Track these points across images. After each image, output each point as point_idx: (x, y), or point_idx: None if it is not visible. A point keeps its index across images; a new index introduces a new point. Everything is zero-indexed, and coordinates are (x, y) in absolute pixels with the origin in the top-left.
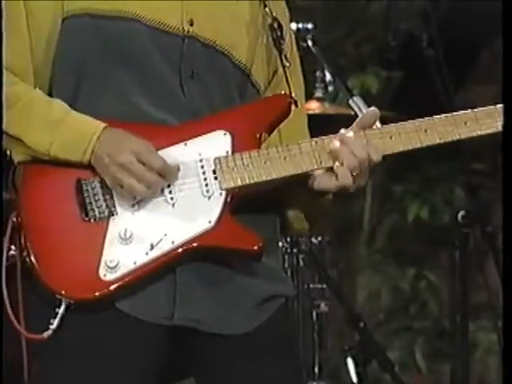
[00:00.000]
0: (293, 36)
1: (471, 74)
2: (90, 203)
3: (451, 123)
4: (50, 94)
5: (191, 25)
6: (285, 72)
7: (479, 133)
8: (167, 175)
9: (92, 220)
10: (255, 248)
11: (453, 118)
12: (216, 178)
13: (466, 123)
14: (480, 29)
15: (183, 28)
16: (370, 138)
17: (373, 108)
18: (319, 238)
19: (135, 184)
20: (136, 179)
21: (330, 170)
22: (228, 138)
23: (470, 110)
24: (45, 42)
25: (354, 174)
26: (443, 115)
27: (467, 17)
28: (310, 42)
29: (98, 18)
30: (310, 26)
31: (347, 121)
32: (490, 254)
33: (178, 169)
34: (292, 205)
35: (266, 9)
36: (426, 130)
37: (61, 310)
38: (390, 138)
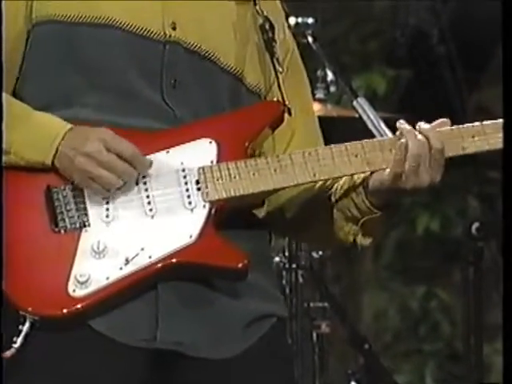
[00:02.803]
0: (290, 34)
1: (487, 72)
2: (61, 213)
3: (457, 136)
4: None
5: (173, 29)
6: (277, 77)
7: (487, 148)
8: (138, 165)
9: (62, 231)
10: (239, 266)
11: (459, 130)
12: (199, 190)
13: (473, 137)
14: (496, 24)
15: (165, 33)
16: (368, 150)
17: (446, 121)
18: (320, 253)
19: (105, 174)
20: (105, 169)
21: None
22: (213, 146)
23: (478, 123)
24: (9, 51)
25: (412, 164)
26: (448, 128)
27: (481, 11)
28: (310, 38)
29: (69, 24)
30: (310, 20)
31: (351, 124)
32: None
33: (151, 163)
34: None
35: (257, 7)
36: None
37: (25, 328)
38: (390, 150)
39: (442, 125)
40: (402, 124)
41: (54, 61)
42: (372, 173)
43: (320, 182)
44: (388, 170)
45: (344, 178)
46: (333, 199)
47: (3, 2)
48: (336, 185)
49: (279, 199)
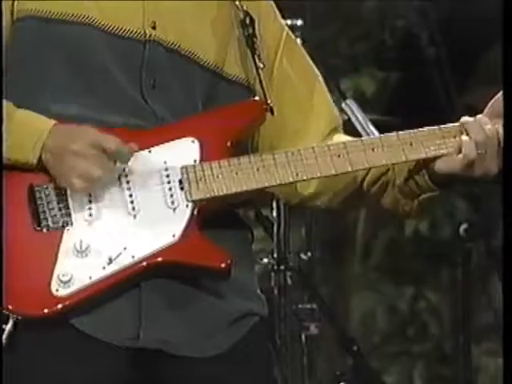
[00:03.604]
0: (280, 23)
1: (475, 74)
2: (44, 211)
3: (438, 137)
4: None
5: (153, 28)
6: (258, 74)
7: None
8: (122, 157)
9: (45, 230)
10: (222, 265)
11: (440, 131)
12: (182, 189)
13: (455, 137)
14: (485, 26)
15: (145, 32)
16: (351, 150)
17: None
18: (308, 254)
19: (91, 168)
20: (92, 164)
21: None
22: (196, 145)
23: (459, 123)
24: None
25: (480, 151)
26: (430, 127)
27: (471, 13)
28: (299, 41)
29: (49, 21)
30: (299, 22)
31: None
32: (495, 271)
33: (132, 153)
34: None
35: (236, 2)
36: (411, 144)
37: (8, 327)
38: (373, 150)
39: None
40: (464, 118)
41: (33, 57)
42: (436, 157)
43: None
44: (460, 156)
45: (400, 166)
46: (398, 181)
47: (3, 2)
48: (394, 169)
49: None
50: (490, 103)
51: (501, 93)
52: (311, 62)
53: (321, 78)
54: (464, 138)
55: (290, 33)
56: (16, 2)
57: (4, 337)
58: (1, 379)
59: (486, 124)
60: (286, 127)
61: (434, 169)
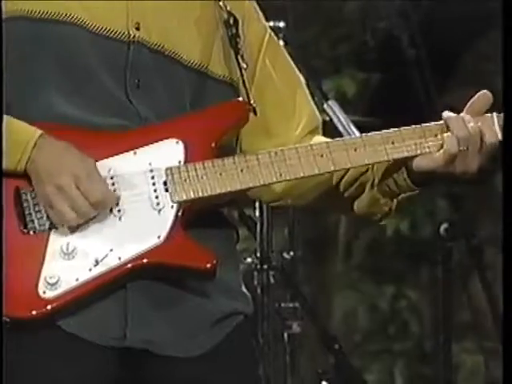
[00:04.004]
0: (263, 24)
1: (455, 75)
2: (30, 214)
3: (420, 136)
4: None
5: (137, 29)
6: (241, 74)
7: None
8: (101, 207)
9: (31, 232)
10: (208, 266)
11: (422, 129)
12: (167, 190)
13: (436, 135)
14: (464, 28)
15: (129, 33)
16: (334, 150)
17: (485, 91)
18: (291, 253)
19: (66, 210)
20: (69, 206)
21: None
22: (180, 146)
23: (442, 121)
24: None
25: (462, 147)
26: (412, 126)
27: (450, 15)
28: (281, 42)
29: (35, 21)
30: (281, 24)
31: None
32: (475, 270)
33: (117, 199)
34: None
35: (220, 2)
36: (393, 143)
37: None
38: (355, 150)
39: (483, 101)
40: (447, 114)
41: (23, 57)
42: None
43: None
44: (441, 152)
45: (379, 165)
46: (377, 181)
47: (3, 2)
48: (373, 168)
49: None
50: (470, 102)
51: (481, 92)
52: (293, 63)
53: (302, 79)
54: (446, 134)
55: (273, 34)
56: (3, 2)
57: None
58: (1, 379)
59: (468, 121)
60: (268, 127)
61: (413, 167)
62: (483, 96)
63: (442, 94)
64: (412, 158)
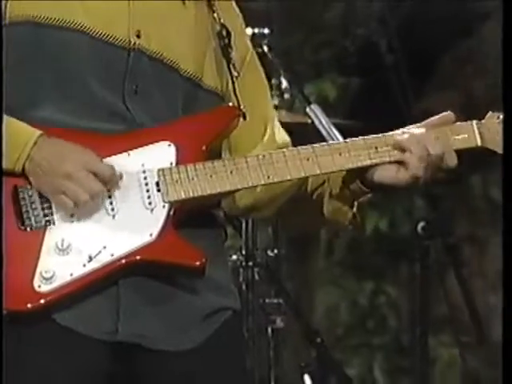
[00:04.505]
0: (247, 39)
1: (431, 79)
2: (27, 211)
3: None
4: None
5: (138, 37)
6: (233, 82)
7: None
8: (111, 184)
9: (28, 229)
10: (197, 264)
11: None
12: (159, 191)
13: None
14: (440, 33)
15: (129, 40)
16: (319, 154)
17: (449, 113)
18: (275, 251)
19: (80, 192)
20: (81, 187)
21: (397, 162)
22: (172, 149)
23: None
24: None
25: (422, 165)
26: (394, 132)
27: (427, 21)
28: (265, 48)
29: (41, 26)
30: (266, 31)
31: (304, 129)
32: (451, 267)
33: (121, 177)
34: (338, 197)
35: (214, 14)
36: (376, 148)
37: None
38: (340, 154)
39: (445, 119)
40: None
41: (25, 61)
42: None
43: (305, 184)
44: (406, 174)
45: (334, 176)
46: (334, 191)
47: (3, 2)
48: (329, 181)
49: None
50: (433, 118)
51: (447, 114)
52: (266, 83)
53: (272, 102)
54: (408, 155)
55: (255, 53)
56: (9, 6)
57: None
58: (1, 379)
59: (422, 138)
60: (247, 132)
61: (373, 178)
62: (446, 117)
63: (419, 98)
64: (370, 167)
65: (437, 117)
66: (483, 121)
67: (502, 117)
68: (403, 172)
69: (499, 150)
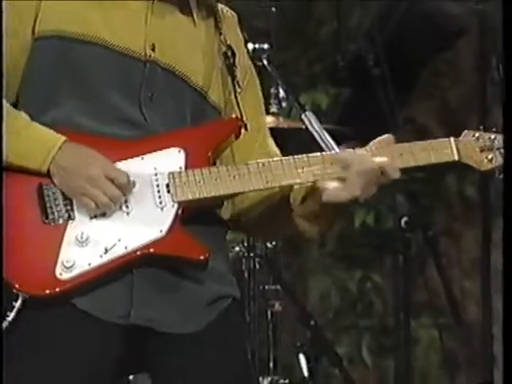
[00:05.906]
0: (248, 58)
1: (414, 90)
2: (51, 207)
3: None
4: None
5: (153, 50)
6: (236, 97)
7: (413, 164)
8: (126, 190)
9: (51, 223)
10: (201, 258)
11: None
12: (169, 192)
13: (401, 155)
14: (420, 49)
15: (145, 53)
16: (313, 163)
17: (389, 135)
18: (274, 243)
19: (99, 195)
20: (101, 191)
21: (341, 180)
22: (182, 154)
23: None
24: (13, 65)
25: (364, 183)
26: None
27: (409, 38)
28: (265, 61)
29: (66, 40)
30: (265, 46)
31: (300, 134)
32: (431, 258)
33: (134, 182)
34: (305, 217)
35: (221, 37)
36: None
37: (17, 304)
38: (331, 164)
39: (386, 141)
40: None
41: (50, 73)
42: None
43: (279, 194)
44: (345, 194)
45: (298, 190)
46: (296, 203)
47: (3, 2)
48: (293, 195)
49: (243, 204)
50: (376, 140)
51: (386, 136)
52: (262, 101)
53: (265, 120)
54: (348, 173)
55: (254, 72)
56: (39, 21)
57: (13, 312)
58: (1, 379)
59: (365, 157)
60: (244, 140)
61: (321, 197)
62: (386, 139)
63: (402, 106)
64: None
65: (379, 138)
66: (460, 138)
67: (477, 134)
68: (342, 191)
69: (475, 165)
